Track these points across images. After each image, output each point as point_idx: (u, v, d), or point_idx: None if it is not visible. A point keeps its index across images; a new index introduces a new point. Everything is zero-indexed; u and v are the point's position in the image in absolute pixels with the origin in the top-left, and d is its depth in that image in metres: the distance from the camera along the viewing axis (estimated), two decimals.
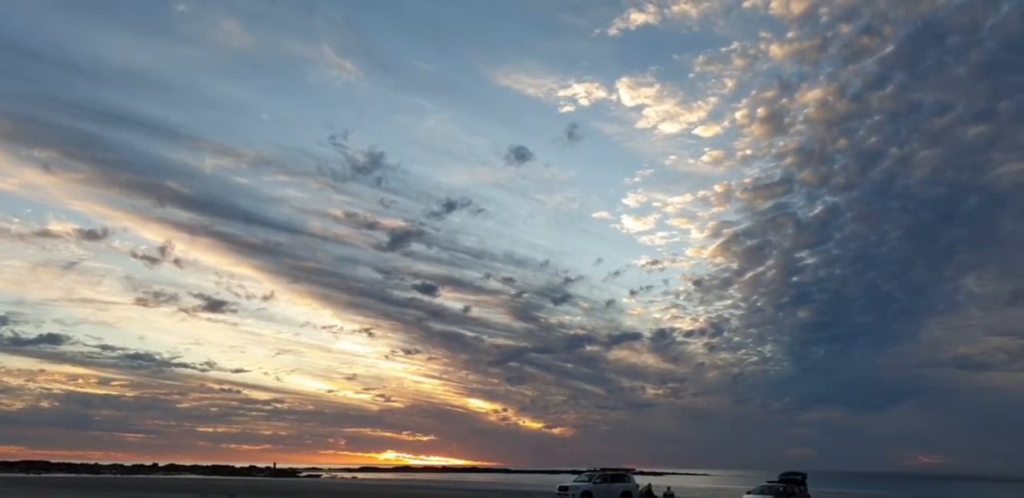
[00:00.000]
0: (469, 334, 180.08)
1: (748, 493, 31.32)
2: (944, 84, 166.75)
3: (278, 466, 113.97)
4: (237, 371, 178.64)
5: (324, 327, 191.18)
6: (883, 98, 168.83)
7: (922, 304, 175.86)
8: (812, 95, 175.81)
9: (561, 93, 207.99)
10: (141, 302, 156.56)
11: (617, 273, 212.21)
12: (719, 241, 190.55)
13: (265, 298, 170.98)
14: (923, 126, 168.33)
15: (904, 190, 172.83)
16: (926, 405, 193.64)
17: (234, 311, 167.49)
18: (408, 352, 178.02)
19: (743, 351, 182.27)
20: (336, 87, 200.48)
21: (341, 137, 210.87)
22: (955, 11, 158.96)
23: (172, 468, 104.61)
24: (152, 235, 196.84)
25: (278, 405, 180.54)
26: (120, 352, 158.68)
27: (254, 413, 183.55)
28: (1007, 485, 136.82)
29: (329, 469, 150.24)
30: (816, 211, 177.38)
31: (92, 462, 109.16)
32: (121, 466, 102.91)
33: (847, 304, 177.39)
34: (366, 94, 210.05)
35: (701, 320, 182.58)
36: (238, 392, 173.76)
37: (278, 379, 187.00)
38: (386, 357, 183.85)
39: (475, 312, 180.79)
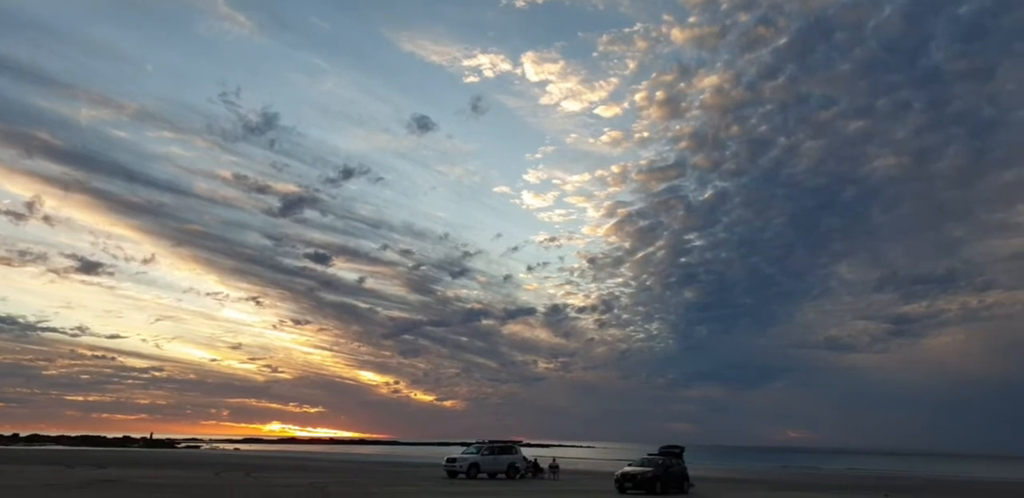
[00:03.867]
0: (363, 305, 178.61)
1: (629, 465, 32.17)
2: (830, 78, 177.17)
3: (154, 437, 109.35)
4: (112, 337, 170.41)
5: (209, 293, 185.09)
6: (775, 88, 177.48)
7: (799, 288, 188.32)
8: (709, 81, 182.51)
9: (466, 63, 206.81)
10: (4, 261, 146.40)
11: (516, 248, 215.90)
12: (614, 220, 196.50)
13: (145, 261, 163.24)
14: (809, 118, 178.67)
15: (789, 178, 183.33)
16: (797, 383, 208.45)
17: (111, 274, 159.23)
18: (298, 322, 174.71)
19: (631, 328, 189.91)
20: (228, 41, 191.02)
21: (233, 94, 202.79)
22: (843, 9, 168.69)
23: (35, 439, 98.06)
24: (18, 189, 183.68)
25: (156, 373, 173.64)
26: None
27: (130, 381, 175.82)
28: (872, 458, 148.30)
29: (210, 440, 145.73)
30: (706, 195, 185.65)
31: None
32: None
33: (731, 286, 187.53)
34: (261, 50, 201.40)
35: (593, 297, 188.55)
36: (113, 359, 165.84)
37: (157, 346, 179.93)
38: (274, 327, 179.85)
39: (370, 283, 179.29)
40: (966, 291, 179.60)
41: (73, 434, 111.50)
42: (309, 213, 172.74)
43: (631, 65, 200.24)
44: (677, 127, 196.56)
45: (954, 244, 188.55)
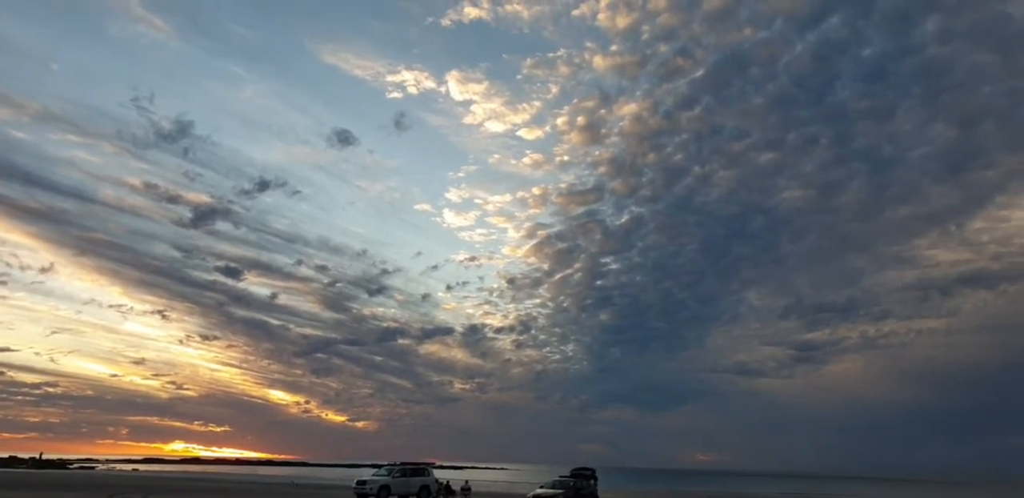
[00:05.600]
0: (275, 322, 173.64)
1: (540, 487, 32.68)
2: (744, 111, 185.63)
3: (44, 457, 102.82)
4: (2, 350, 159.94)
5: (111, 306, 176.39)
6: (691, 118, 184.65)
7: (709, 313, 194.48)
8: (628, 109, 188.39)
9: (390, 78, 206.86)
10: None
11: (435, 267, 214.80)
12: (533, 242, 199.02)
13: (43, 270, 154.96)
14: (723, 148, 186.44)
15: (702, 206, 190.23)
16: (706, 407, 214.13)
17: (3, 283, 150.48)
18: (205, 338, 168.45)
19: (547, 349, 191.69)
20: (143, 44, 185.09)
21: (146, 100, 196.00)
22: (758, 44, 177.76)
23: None
24: None
25: (50, 389, 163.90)
26: None
27: (19, 397, 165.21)
28: (777, 480, 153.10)
29: (107, 460, 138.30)
30: (623, 220, 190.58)
31: None
32: None
33: (644, 309, 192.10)
34: (177, 56, 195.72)
35: (511, 317, 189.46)
36: (1, 374, 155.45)
37: (52, 360, 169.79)
38: (180, 342, 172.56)
39: (283, 299, 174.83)
40: (865, 320, 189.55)
41: None
42: (221, 225, 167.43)
43: (554, 89, 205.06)
44: (596, 152, 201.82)
45: (855, 275, 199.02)
